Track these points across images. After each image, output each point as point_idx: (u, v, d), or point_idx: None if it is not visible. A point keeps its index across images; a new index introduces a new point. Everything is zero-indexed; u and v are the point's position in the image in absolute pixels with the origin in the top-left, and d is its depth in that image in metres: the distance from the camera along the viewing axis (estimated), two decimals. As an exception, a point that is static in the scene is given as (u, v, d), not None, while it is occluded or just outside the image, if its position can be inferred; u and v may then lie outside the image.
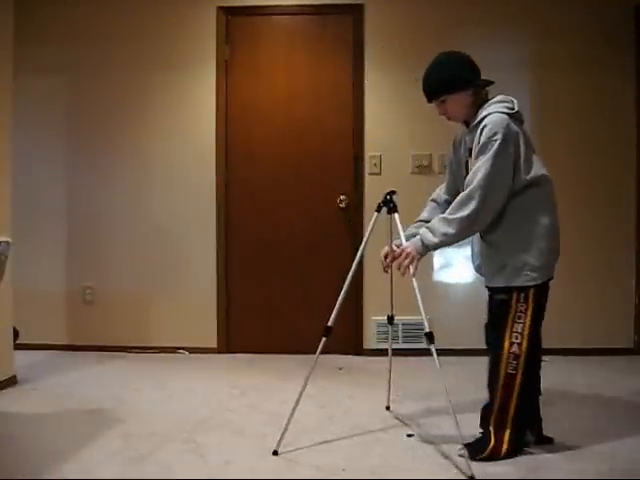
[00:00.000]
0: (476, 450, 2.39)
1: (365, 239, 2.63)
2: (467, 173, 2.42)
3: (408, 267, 2.40)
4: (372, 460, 2.41)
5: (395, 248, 2.53)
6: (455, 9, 4.09)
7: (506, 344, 2.36)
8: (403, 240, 2.48)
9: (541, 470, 2.30)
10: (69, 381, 3.52)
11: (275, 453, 2.43)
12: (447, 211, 2.38)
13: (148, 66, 4.20)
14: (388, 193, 2.62)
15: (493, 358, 2.42)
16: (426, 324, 2.40)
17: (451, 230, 2.33)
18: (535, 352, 2.42)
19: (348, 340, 4.10)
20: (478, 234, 2.46)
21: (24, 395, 3.26)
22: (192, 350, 4.17)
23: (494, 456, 2.37)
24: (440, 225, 2.35)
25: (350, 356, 4.06)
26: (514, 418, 2.37)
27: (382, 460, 2.40)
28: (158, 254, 4.24)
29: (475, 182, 2.30)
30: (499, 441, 2.38)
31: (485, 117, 2.35)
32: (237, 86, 4.20)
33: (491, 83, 2.47)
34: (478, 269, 2.56)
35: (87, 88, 4.25)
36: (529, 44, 4.15)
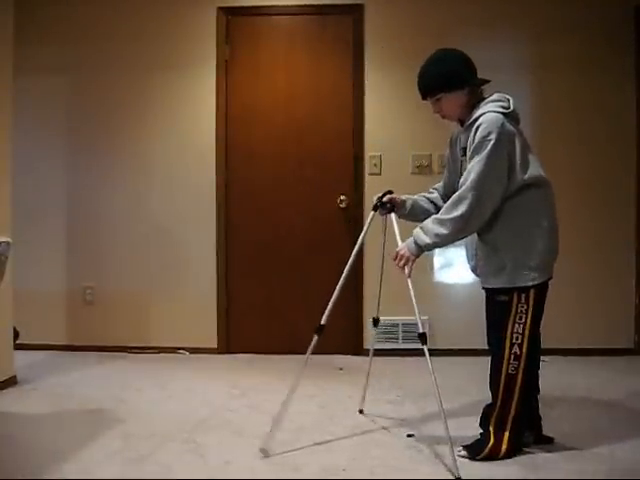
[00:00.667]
0: (475, 450, 2.39)
1: (360, 239, 2.64)
2: (461, 173, 2.41)
3: (404, 268, 2.41)
4: (372, 460, 2.40)
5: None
6: (455, 9, 4.09)
7: (507, 345, 2.35)
8: (399, 241, 2.48)
9: (540, 470, 2.30)
10: (69, 381, 3.52)
11: (264, 453, 2.42)
12: (440, 211, 2.38)
13: (148, 66, 4.20)
14: (384, 193, 2.62)
15: (494, 359, 2.42)
16: (420, 325, 2.40)
17: (444, 230, 2.32)
18: (534, 352, 2.42)
19: (348, 340, 4.11)
20: (475, 235, 2.45)
21: (24, 395, 3.26)
22: (192, 350, 4.17)
23: (493, 456, 2.37)
24: (433, 226, 2.34)
25: (350, 356, 4.07)
26: (514, 418, 2.37)
27: (382, 460, 2.40)
28: (158, 254, 4.24)
29: (468, 182, 2.29)
30: (498, 441, 2.37)
31: (480, 116, 2.33)
32: (237, 86, 4.20)
33: (487, 82, 2.46)
34: (474, 270, 2.56)
35: (87, 88, 4.25)
36: (529, 44, 4.15)
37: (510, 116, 2.35)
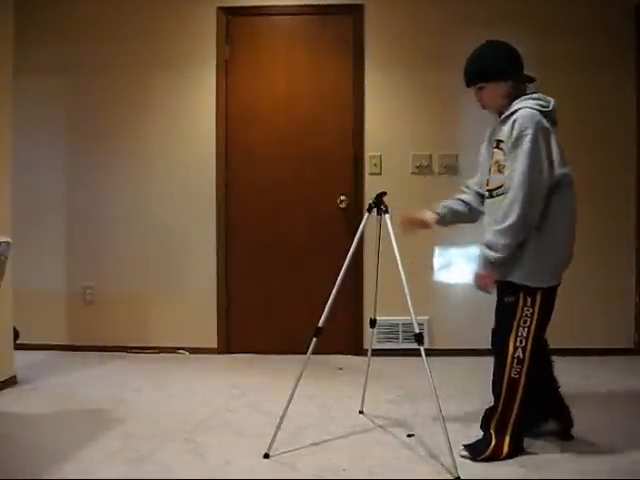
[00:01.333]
0: (477, 450, 2.39)
1: (355, 240, 2.63)
2: (492, 164, 2.43)
3: (487, 288, 2.39)
4: (372, 460, 2.40)
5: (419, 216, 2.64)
6: (455, 8, 4.08)
7: (511, 348, 2.35)
8: (394, 242, 2.49)
9: (542, 470, 2.30)
10: (69, 381, 3.52)
11: (266, 456, 2.42)
12: (498, 222, 2.32)
13: (148, 66, 4.20)
14: (378, 195, 2.62)
15: (498, 362, 2.42)
16: (416, 325, 2.40)
17: (508, 240, 2.28)
18: (537, 357, 2.39)
19: (348, 340, 4.10)
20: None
21: (24, 395, 3.26)
22: (192, 350, 4.17)
23: (495, 457, 2.37)
24: (497, 239, 2.30)
25: (350, 356, 4.06)
26: (515, 423, 2.37)
27: (382, 460, 2.40)
28: (158, 254, 4.24)
29: (514, 184, 2.27)
30: (500, 444, 2.37)
31: (517, 111, 2.34)
32: (237, 86, 4.19)
33: (532, 79, 2.47)
34: None
35: (87, 88, 4.25)
36: (529, 43, 4.10)
37: (548, 116, 2.36)
